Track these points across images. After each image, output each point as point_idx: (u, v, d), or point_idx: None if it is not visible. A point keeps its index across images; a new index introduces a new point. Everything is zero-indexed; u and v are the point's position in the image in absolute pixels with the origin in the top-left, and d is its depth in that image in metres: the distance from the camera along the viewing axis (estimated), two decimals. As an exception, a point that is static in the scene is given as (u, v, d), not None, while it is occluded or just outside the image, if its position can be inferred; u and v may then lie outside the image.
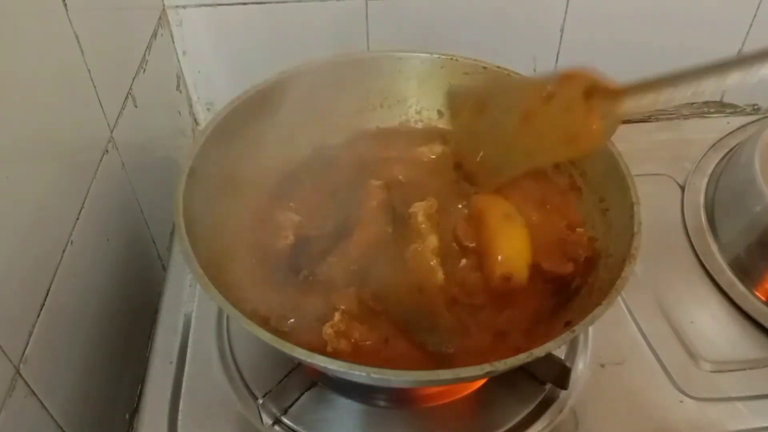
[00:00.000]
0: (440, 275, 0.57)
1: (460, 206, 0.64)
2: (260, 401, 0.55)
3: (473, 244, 0.60)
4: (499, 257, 0.57)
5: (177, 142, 0.84)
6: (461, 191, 0.65)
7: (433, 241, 0.58)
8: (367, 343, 0.53)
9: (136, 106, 0.69)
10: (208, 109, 0.92)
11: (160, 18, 0.79)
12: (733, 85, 0.47)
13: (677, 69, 0.51)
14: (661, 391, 0.59)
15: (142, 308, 0.71)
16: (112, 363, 0.63)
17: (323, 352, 0.50)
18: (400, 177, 0.67)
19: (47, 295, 0.50)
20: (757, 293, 0.66)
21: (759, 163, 0.68)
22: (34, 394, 0.48)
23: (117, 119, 0.64)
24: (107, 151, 0.62)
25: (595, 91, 0.54)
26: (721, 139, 0.83)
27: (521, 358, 0.44)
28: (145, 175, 0.71)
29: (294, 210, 0.63)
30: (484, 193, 0.64)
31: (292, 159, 0.68)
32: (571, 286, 0.56)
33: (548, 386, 0.58)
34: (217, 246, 0.56)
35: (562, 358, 0.60)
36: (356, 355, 0.52)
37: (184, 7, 0.80)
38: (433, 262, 0.57)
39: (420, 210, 0.61)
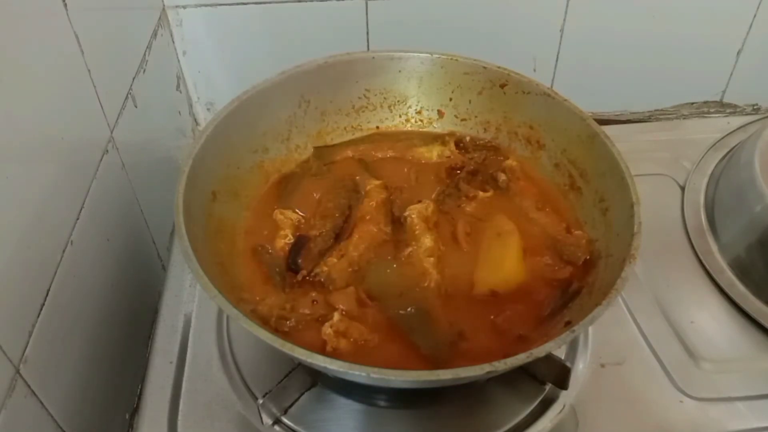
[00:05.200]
0: (435, 276, 0.57)
1: (458, 207, 0.64)
2: (260, 401, 0.55)
3: (469, 249, 0.60)
4: (487, 276, 0.58)
5: (177, 142, 0.84)
6: (460, 192, 0.65)
7: (426, 242, 0.59)
8: (367, 343, 0.53)
9: (136, 106, 0.69)
10: (208, 109, 0.92)
11: (160, 18, 0.79)
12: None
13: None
14: (661, 391, 0.59)
15: (142, 308, 0.71)
16: (112, 363, 0.63)
17: (323, 352, 0.50)
18: (399, 177, 0.67)
19: (47, 295, 0.50)
20: (757, 293, 0.66)
21: (759, 163, 0.68)
22: (34, 394, 0.48)
23: (117, 119, 0.64)
24: (107, 151, 0.62)
25: None
26: (721, 139, 0.83)
27: (521, 358, 0.44)
28: (145, 175, 0.71)
29: (293, 210, 0.63)
30: (483, 202, 0.64)
31: (291, 159, 0.68)
32: (571, 288, 0.56)
33: (548, 386, 0.58)
34: (217, 246, 0.57)
35: (562, 358, 0.60)
36: (356, 355, 0.52)
37: (184, 7, 0.80)
38: (427, 264, 0.57)
39: (415, 212, 0.61)
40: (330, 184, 0.66)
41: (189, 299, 0.66)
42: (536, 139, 0.68)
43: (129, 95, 0.68)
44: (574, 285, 0.56)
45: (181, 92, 0.87)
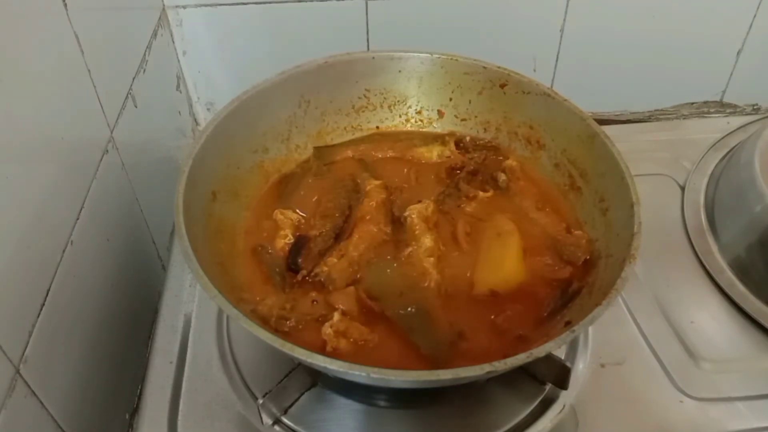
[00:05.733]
0: (435, 276, 0.57)
1: (458, 207, 0.64)
2: (260, 401, 0.55)
3: (469, 249, 0.60)
4: (487, 276, 0.58)
5: (177, 142, 0.84)
6: (460, 192, 0.65)
7: (426, 242, 0.59)
8: (367, 343, 0.53)
9: (136, 106, 0.69)
10: (208, 109, 0.92)
11: (160, 18, 0.79)
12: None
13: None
14: (661, 391, 0.59)
15: (142, 308, 0.71)
16: (112, 363, 0.63)
17: (323, 352, 0.50)
18: (399, 177, 0.67)
19: (47, 295, 0.50)
20: (757, 293, 0.66)
21: (759, 163, 0.68)
22: (34, 394, 0.48)
23: (117, 119, 0.64)
24: (107, 151, 0.62)
25: None
26: (721, 139, 0.83)
27: (521, 358, 0.44)
28: (145, 175, 0.71)
29: (293, 210, 0.63)
30: (483, 202, 0.64)
31: (291, 159, 0.68)
32: (571, 288, 0.56)
33: (548, 386, 0.58)
34: (217, 246, 0.57)
35: (562, 358, 0.60)
36: (356, 355, 0.52)
37: (184, 7, 0.80)
38: (427, 264, 0.57)
39: (415, 212, 0.61)
40: (330, 184, 0.66)
41: (189, 299, 0.66)
42: (536, 139, 0.68)
43: (129, 95, 0.68)
44: (574, 285, 0.56)
45: (181, 92, 0.87)
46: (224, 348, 0.62)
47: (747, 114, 0.99)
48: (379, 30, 0.84)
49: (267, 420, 0.56)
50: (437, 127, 0.72)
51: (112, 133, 0.63)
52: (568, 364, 0.56)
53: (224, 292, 0.47)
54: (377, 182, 0.65)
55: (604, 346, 0.62)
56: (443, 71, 0.69)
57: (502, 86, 0.68)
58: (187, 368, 0.60)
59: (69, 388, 0.54)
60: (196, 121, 0.92)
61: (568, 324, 0.51)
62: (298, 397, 0.57)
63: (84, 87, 0.58)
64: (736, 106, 0.98)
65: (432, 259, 0.58)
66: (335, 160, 0.69)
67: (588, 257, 0.59)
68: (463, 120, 0.72)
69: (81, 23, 0.56)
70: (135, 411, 0.64)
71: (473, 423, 0.57)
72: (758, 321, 0.64)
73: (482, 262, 0.59)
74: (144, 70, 0.72)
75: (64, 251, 0.53)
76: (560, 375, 0.56)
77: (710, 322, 0.65)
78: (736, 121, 0.85)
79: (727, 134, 0.83)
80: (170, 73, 0.83)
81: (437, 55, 0.69)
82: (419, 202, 0.62)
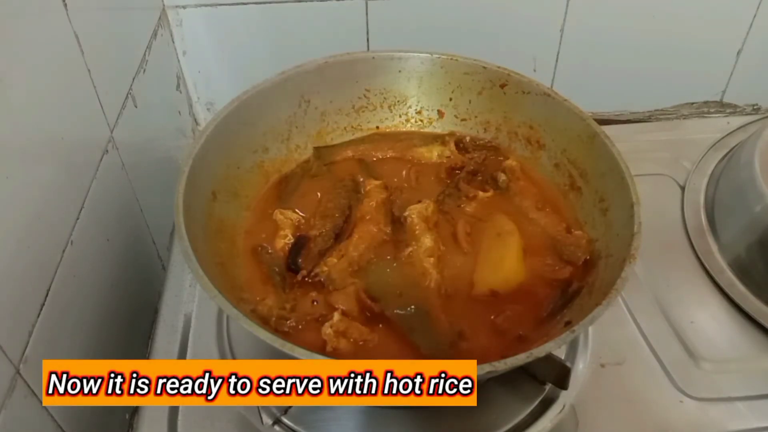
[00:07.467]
0: (435, 276, 0.57)
1: (459, 207, 0.64)
2: (260, 401, 0.55)
3: (469, 249, 0.60)
4: (486, 276, 0.58)
5: (177, 142, 0.84)
6: (460, 192, 0.65)
7: (426, 242, 0.59)
8: (367, 343, 0.53)
9: (136, 106, 0.69)
10: (208, 109, 0.92)
11: (160, 18, 0.79)
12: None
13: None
14: (661, 391, 0.59)
15: (142, 308, 0.71)
16: (112, 363, 0.63)
17: (323, 352, 0.50)
18: (399, 177, 0.67)
19: (47, 295, 0.50)
20: (757, 293, 0.66)
21: (759, 163, 0.68)
22: (34, 394, 0.48)
23: (117, 119, 0.64)
24: (107, 151, 0.62)
25: None
26: (721, 139, 0.83)
27: (521, 358, 0.44)
28: (145, 175, 0.71)
29: (293, 210, 0.63)
30: (483, 202, 0.64)
31: (291, 159, 0.68)
32: (571, 288, 0.56)
33: (548, 386, 0.58)
34: (217, 246, 0.57)
35: (562, 358, 0.60)
36: (356, 355, 0.52)
37: (184, 7, 0.80)
38: (427, 264, 0.57)
39: (415, 212, 0.61)
40: (330, 184, 0.66)
41: (189, 299, 0.66)
42: (536, 139, 0.68)
43: (129, 95, 0.68)
44: (574, 285, 0.56)
45: (181, 92, 0.87)
46: (224, 348, 0.62)
47: (747, 114, 0.99)
48: (379, 30, 0.84)
49: (267, 420, 0.56)
50: (437, 127, 0.72)
51: (112, 133, 0.63)
52: (568, 364, 0.56)
53: (224, 292, 0.47)
54: (377, 182, 0.65)
55: (604, 346, 0.62)
56: (443, 71, 0.69)
57: (502, 86, 0.68)
58: (187, 368, 0.60)
59: (69, 388, 0.54)
60: (196, 121, 0.92)
61: (568, 324, 0.51)
62: (298, 397, 0.57)
63: (84, 87, 0.58)
64: (736, 106, 0.98)
65: (432, 259, 0.58)
66: (335, 160, 0.69)
67: (588, 257, 0.59)
68: (463, 120, 0.72)
69: (81, 23, 0.56)
70: (135, 411, 0.64)
71: (473, 423, 0.57)
72: (758, 321, 0.64)
73: (482, 262, 0.59)
74: (144, 70, 0.72)
75: (64, 251, 0.53)
76: (560, 375, 0.55)
77: (710, 322, 0.65)
78: (736, 121, 0.85)
79: (727, 134, 0.83)
80: (170, 73, 0.84)
81: (437, 55, 0.69)
82: (419, 202, 0.62)
